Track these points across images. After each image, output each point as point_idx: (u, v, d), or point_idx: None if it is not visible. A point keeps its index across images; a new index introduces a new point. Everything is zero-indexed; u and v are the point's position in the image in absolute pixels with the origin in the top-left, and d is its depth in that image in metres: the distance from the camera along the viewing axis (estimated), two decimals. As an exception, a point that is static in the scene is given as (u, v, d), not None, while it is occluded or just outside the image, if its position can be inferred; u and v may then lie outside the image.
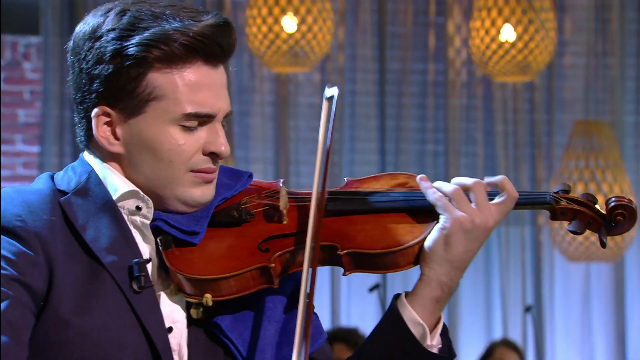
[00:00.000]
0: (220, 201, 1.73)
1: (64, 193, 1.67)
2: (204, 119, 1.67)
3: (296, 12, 5.28)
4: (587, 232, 1.75)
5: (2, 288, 1.54)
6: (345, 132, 6.35)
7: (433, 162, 6.42)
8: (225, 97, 1.72)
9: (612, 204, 1.74)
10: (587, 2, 6.49)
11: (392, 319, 1.70)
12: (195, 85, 1.66)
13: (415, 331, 1.69)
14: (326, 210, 1.71)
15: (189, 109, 1.65)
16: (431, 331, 1.71)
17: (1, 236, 1.58)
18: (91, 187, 1.67)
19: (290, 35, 5.28)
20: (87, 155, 1.73)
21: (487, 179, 1.73)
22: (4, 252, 1.56)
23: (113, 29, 1.64)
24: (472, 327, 6.33)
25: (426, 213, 1.72)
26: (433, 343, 1.71)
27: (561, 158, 5.84)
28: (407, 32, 6.38)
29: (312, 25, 5.29)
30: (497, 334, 6.12)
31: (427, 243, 1.69)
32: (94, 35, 1.65)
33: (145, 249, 1.68)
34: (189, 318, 1.67)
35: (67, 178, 1.69)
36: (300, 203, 1.74)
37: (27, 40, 6.57)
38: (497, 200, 1.71)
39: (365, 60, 6.37)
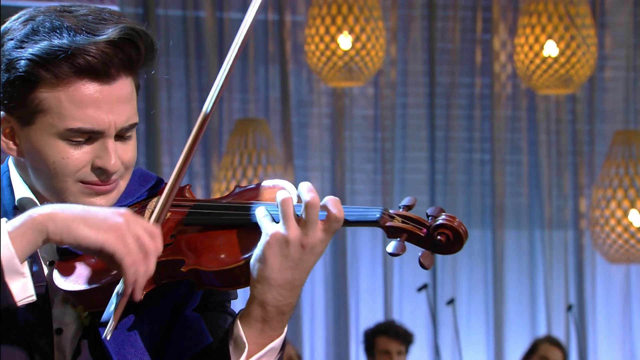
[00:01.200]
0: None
1: None
2: (89, 135, 1.55)
3: (351, 31, 5.29)
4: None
5: None
6: (397, 142, 6.34)
7: (480, 170, 6.40)
8: (121, 111, 1.56)
9: (440, 222, 1.48)
10: (626, 19, 6.44)
11: (225, 334, 1.58)
12: (80, 101, 1.54)
13: (236, 352, 1.54)
14: (184, 223, 1.58)
15: (72, 125, 1.54)
16: (255, 352, 1.54)
17: None
18: (3, 189, 1.62)
19: (346, 52, 5.30)
20: (10, 159, 1.66)
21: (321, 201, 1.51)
22: None
23: (12, 38, 1.55)
24: (518, 325, 6.30)
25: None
26: None
27: (602, 166, 5.79)
28: (456, 48, 6.37)
29: (366, 42, 5.30)
30: (541, 332, 6.08)
31: (251, 260, 1.53)
32: (0, 42, 1.57)
33: (51, 252, 1.59)
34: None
35: None
36: (175, 214, 1.60)
37: None
38: (320, 219, 1.51)
39: (416, 75, 6.37)
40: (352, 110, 6.33)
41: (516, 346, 5.93)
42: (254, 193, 1.62)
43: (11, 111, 1.56)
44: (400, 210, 1.53)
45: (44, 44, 1.52)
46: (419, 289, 5.48)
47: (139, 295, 1.44)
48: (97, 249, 1.42)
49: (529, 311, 6.34)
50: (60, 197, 1.57)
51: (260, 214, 1.54)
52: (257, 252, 1.51)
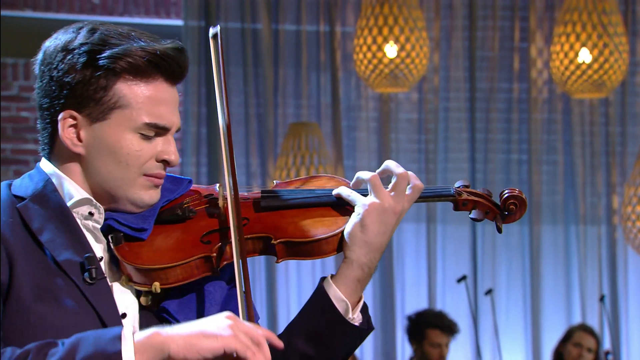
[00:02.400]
0: (164, 202, 1.68)
1: (21, 199, 1.61)
2: (159, 130, 1.62)
3: (396, 41, 5.29)
4: (486, 219, 1.75)
5: None
6: (439, 144, 6.33)
7: (517, 169, 6.37)
8: (177, 113, 1.66)
9: (506, 195, 1.73)
10: (657, 26, 6.40)
11: (319, 296, 1.66)
12: (155, 99, 1.60)
13: (339, 306, 1.65)
14: (262, 207, 1.68)
15: (149, 120, 1.60)
16: (353, 308, 1.67)
17: None
18: (47, 193, 1.61)
19: (392, 61, 5.30)
20: (44, 164, 1.66)
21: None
22: None
23: (85, 43, 1.58)
24: (553, 314, 6.26)
25: (346, 205, 1.69)
26: (354, 317, 1.67)
27: (633, 165, 5.74)
28: (495, 56, 6.35)
29: (410, 51, 5.30)
30: (576, 320, 6.05)
31: (347, 228, 1.65)
32: (66, 48, 1.59)
33: (98, 249, 1.62)
34: (140, 305, 1.63)
35: (24, 185, 1.64)
36: (245, 200, 1.70)
37: None
38: (407, 190, 1.68)
39: (457, 81, 6.35)
40: (398, 115, 6.33)
41: (552, 334, 5.88)
42: (303, 182, 1.76)
43: (81, 109, 1.59)
44: (460, 188, 1.75)
45: (124, 45, 1.58)
46: (459, 280, 5.47)
47: None
48: (220, 354, 1.44)
49: (564, 301, 6.30)
50: (123, 188, 1.61)
51: (346, 191, 1.68)
52: (356, 220, 1.65)
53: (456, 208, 1.74)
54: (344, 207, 1.69)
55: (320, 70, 6.24)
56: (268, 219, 1.67)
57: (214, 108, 6.06)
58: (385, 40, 5.30)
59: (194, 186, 1.74)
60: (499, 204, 1.74)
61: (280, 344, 1.50)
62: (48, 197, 1.60)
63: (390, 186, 1.67)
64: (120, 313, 1.60)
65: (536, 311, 6.24)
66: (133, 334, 1.45)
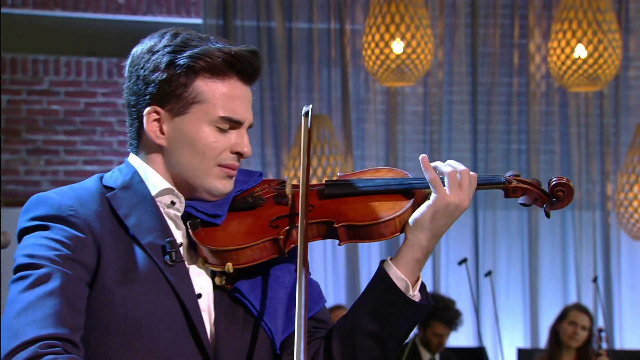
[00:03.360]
0: (237, 192, 1.72)
1: (110, 189, 1.66)
2: (234, 124, 1.66)
3: (403, 38, 5.31)
4: (535, 205, 1.77)
5: (59, 267, 1.54)
6: (443, 134, 6.34)
7: (517, 158, 6.37)
8: (250, 111, 1.69)
9: (554, 182, 1.74)
10: (648, 23, 6.39)
11: (380, 276, 1.68)
12: (230, 95, 1.65)
13: (400, 285, 1.67)
14: (325, 195, 1.72)
15: (224, 114, 1.65)
16: (412, 286, 1.69)
17: (58, 224, 1.59)
18: (134, 184, 1.67)
19: (398, 56, 5.32)
20: (131, 159, 1.72)
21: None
22: (60, 237, 1.57)
23: (169, 45, 1.65)
24: (551, 295, 6.28)
25: (403, 194, 1.72)
26: (414, 294, 1.69)
27: (626, 154, 5.75)
28: (495, 52, 6.35)
29: (416, 48, 5.32)
30: (571, 300, 6.04)
31: (416, 215, 1.68)
32: (152, 50, 1.66)
33: (178, 235, 1.67)
34: (214, 285, 1.66)
35: (114, 177, 1.69)
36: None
37: None
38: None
39: (460, 76, 6.35)
40: (404, 107, 6.34)
41: (549, 313, 5.89)
42: (379, 173, 1.79)
43: (164, 104, 1.65)
44: (511, 177, 1.76)
45: (203, 47, 1.65)
46: (460, 263, 5.42)
47: None
48: None
49: (561, 282, 6.31)
50: (201, 177, 1.66)
51: (435, 179, 1.68)
52: (429, 209, 1.67)
53: (507, 195, 1.76)
54: (401, 195, 1.71)
55: (331, 66, 6.25)
56: (331, 205, 1.70)
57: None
58: (392, 37, 5.31)
59: (263, 179, 1.78)
60: (547, 191, 1.74)
61: None
62: (135, 187, 1.66)
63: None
64: (196, 293, 1.64)
65: (534, 291, 6.26)
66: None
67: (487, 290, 6.02)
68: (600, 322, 5.88)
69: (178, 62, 1.63)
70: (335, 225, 1.66)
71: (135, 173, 1.68)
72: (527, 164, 6.33)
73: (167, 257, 1.61)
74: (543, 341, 5.57)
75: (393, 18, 5.31)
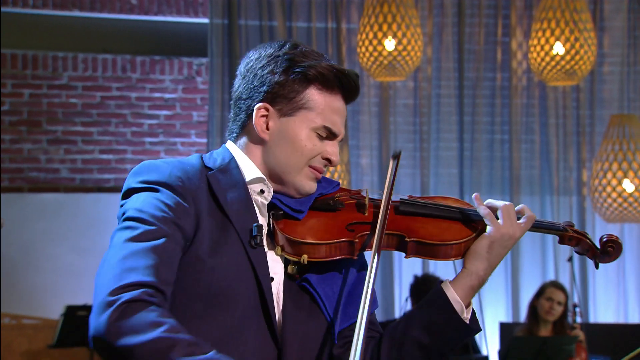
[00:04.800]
0: (318, 195, 1.76)
1: (209, 169, 1.70)
2: (330, 134, 1.72)
3: (394, 36, 5.30)
4: (585, 255, 1.81)
5: (164, 227, 1.58)
6: (432, 125, 6.34)
7: (500, 147, 6.38)
8: (344, 126, 1.77)
9: (605, 239, 1.79)
10: (621, 23, 6.36)
11: (438, 296, 1.71)
12: (334, 109, 1.71)
13: (456, 307, 1.70)
14: (399, 211, 1.76)
15: (326, 124, 1.70)
16: (465, 309, 1.72)
17: (168, 191, 1.62)
18: (230, 168, 1.70)
19: (390, 53, 5.31)
20: (229, 145, 1.76)
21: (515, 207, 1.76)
22: (168, 201, 1.61)
23: (289, 53, 1.71)
24: (531, 273, 6.30)
25: (472, 222, 1.75)
26: (467, 317, 1.72)
27: (600, 143, 5.74)
28: (480, 49, 6.35)
29: (406, 45, 5.31)
30: (550, 278, 6.07)
31: (475, 246, 1.72)
32: (272, 55, 1.71)
33: (261, 221, 1.70)
34: (286, 273, 1.70)
35: (212, 159, 1.72)
36: (376, 203, 1.77)
37: (199, 60, 6.73)
38: (522, 220, 1.75)
39: (448, 71, 6.36)
40: (396, 100, 6.34)
41: (529, 290, 5.92)
42: (447, 201, 1.82)
43: (274, 103, 1.70)
44: (567, 225, 1.81)
45: (319, 61, 1.72)
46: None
47: None
48: None
49: (540, 262, 6.33)
50: (292, 174, 1.71)
51: (488, 214, 1.72)
52: (486, 240, 1.71)
53: (561, 242, 1.81)
54: (468, 224, 1.74)
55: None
56: (403, 221, 1.73)
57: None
58: (385, 35, 5.30)
59: (341, 187, 1.83)
60: (599, 246, 1.80)
61: None
62: (231, 171, 1.71)
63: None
64: (270, 277, 1.68)
65: (515, 270, 6.28)
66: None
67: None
68: (576, 298, 5.90)
69: (295, 70, 1.69)
70: (406, 239, 1.70)
71: (232, 159, 1.72)
72: (510, 153, 6.34)
73: (252, 239, 1.64)
74: (524, 316, 5.59)
75: (385, 18, 5.31)
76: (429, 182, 6.27)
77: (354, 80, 1.73)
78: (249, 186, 1.70)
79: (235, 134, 1.76)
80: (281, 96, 1.69)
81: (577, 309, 5.13)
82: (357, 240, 1.68)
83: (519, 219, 1.75)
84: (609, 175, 5.48)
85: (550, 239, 6.33)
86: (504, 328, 5.92)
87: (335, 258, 1.68)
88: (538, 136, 6.39)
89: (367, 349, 1.73)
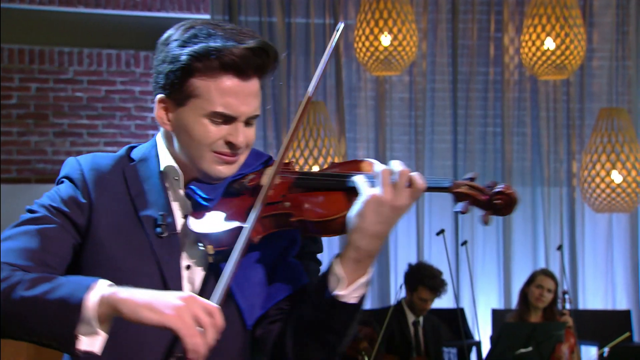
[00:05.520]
0: (238, 176, 1.65)
1: (132, 160, 1.65)
2: (227, 118, 1.59)
3: (390, 31, 5.29)
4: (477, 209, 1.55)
5: (49, 214, 1.56)
6: (427, 119, 6.35)
7: (493, 140, 6.38)
8: (251, 103, 1.60)
9: (497, 189, 1.53)
10: (610, 19, 6.37)
11: (326, 270, 1.59)
12: (224, 91, 1.57)
13: (332, 281, 1.55)
14: (294, 188, 1.60)
15: (217, 109, 1.58)
16: (350, 284, 1.55)
17: (70, 183, 1.61)
18: (151, 157, 1.65)
19: (386, 48, 5.30)
20: (157, 136, 1.70)
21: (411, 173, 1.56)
22: (62, 194, 1.60)
23: (178, 39, 1.60)
24: (522, 261, 6.32)
25: (357, 193, 1.56)
26: (344, 293, 1.55)
27: (590, 136, 5.74)
28: (474, 44, 6.36)
29: (402, 40, 5.31)
30: (541, 266, 6.06)
31: (349, 214, 1.54)
32: (166, 42, 1.62)
33: (177, 210, 1.64)
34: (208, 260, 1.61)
35: (139, 151, 1.68)
36: (284, 180, 1.62)
37: None
38: (410, 187, 1.54)
39: (442, 66, 6.36)
40: (392, 94, 6.34)
41: (520, 277, 5.92)
42: (347, 167, 1.64)
43: (169, 94, 1.61)
44: (465, 181, 1.56)
45: (201, 45, 1.57)
46: (437, 234, 5.33)
47: (196, 357, 1.39)
48: (162, 327, 1.39)
49: (531, 250, 6.35)
50: (198, 161, 1.61)
51: (360, 180, 1.55)
52: (357, 208, 1.52)
53: (457, 200, 1.56)
54: (354, 194, 1.55)
55: (326, 57, 6.29)
56: (296, 198, 1.59)
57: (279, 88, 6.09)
58: (381, 31, 5.30)
59: (271, 163, 1.66)
60: (487, 199, 1.53)
61: (220, 325, 1.41)
62: (150, 160, 1.65)
63: (392, 181, 1.53)
64: (185, 265, 1.61)
65: (507, 258, 6.30)
66: (108, 286, 1.43)
67: (464, 257, 6.07)
68: (565, 286, 5.92)
69: (179, 59, 1.58)
70: (292, 219, 1.57)
71: (155, 149, 1.67)
72: (502, 145, 6.35)
73: (158, 229, 1.58)
74: (515, 303, 5.61)
75: (381, 14, 5.30)
76: (423, 174, 6.27)
77: (246, 58, 1.56)
78: (164, 175, 1.64)
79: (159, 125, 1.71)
80: (172, 86, 1.60)
81: (567, 296, 5.15)
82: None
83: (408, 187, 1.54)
84: (598, 166, 5.47)
85: (541, 228, 6.36)
86: (496, 314, 5.95)
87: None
88: (529, 129, 6.40)
89: (271, 331, 1.63)
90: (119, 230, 1.58)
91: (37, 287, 1.43)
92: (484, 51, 6.38)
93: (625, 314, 6.14)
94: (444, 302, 5.47)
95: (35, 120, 6.44)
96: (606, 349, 5.01)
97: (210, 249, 1.57)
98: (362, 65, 5.73)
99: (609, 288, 6.39)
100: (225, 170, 1.62)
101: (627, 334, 5.21)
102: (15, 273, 1.46)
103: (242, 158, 1.63)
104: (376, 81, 6.29)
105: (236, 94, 1.58)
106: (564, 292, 5.17)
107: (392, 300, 6.11)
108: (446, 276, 5.17)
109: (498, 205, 1.52)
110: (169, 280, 1.58)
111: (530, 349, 4.55)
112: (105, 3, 6.24)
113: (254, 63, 1.58)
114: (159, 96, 1.62)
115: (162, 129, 1.67)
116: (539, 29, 5.34)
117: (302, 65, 6.25)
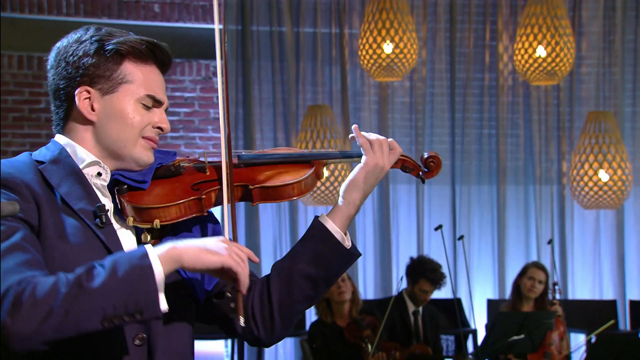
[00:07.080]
0: (158, 165, 1.68)
1: (41, 163, 1.59)
2: (156, 103, 1.63)
3: (392, 40, 5.32)
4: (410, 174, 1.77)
5: (12, 223, 1.46)
6: (427, 121, 6.36)
7: (488, 141, 6.40)
8: (165, 93, 1.67)
9: (426, 155, 1.75)
10: (597, 29, 6.38)
11: (319, 229, 1.67)
12: (152, 78, 1.63)
13: (337, 236, 1.66)
14: (241, 164, 1.70)
15: (149, 92, 1.62)
16: (346, 236, 1.69)
17: (4, 190, 1.50)
18: (62, 158, 1.59)
19: (388, 56, 5.33)
20: (57, 137, 1.64)
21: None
22: (3, 200, 1.47)
23: (96, 35, 1.61)
24: (515, 254, 6.33)
25: (305, 164, 1.71)
26: (348, 244, 1.68)
27: (579, 137, 5.77)
28: (470, 52, 6.37)
29: (403, 48, 5.33)
30: (533, 259, 6.09)
31: (350, 176, 1.69)
32: (79, 40, 1.61)
33: (105, 201, 1.61)
34: (140, 243, 1.60)
35: (42, 154, 1.61)
36: (216, 164, 1.69)
37: (215, 62, 6.79)
38: (391, 153, 1.71)
39: (441, 72, 6.37)
40: (394, 99, 6.36)
41: (514, 269, 5.93)
42: (266, 151, 1.76)
43: (94, 85, 1.60)
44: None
45: (127, 37, 1.62)
46: (436, 229, 5.33)
47: (245, 289, 1.48)
48: (219, 268, 1.45)
49: (524, 245, 6.36)
50: (129, 147, 1.61)
51: (366, 145, 1.70)
52: (361, 171, 1.68)
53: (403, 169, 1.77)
54: (303, 165, 1.70)
55: (332, 64, 6.26)
56: (245, 172, 1.68)
57: (248, 93, 6.16)
58: (384, 39, 5.33)
59: (177, 158, 1.73)
60: (422, 164, 1.75)
61: (256, 259, 1.52)
62: (63, 161, 1.60)
63: (383, 150, 1.70)
64: (133, 247, 1.60)
65: (502, 252, 6.30)
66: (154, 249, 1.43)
67: (461, 251, 6.09)
68: (555, 277, 5.94)
69: (107, 47, 1.60)
70: (250, 187, 1.64)
71: (62, 149, 1.61)
72: (497, 146, 6.36)
73: (97, 220, 1.55)
74: (509, 293, 5.63)
75: (384, 24, 5.33)
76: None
77: (165, 50, 1.65)
78: (84, 171, 1.60)
79: (61, 126, 1.64)
80: (98, 76, 1.59)
81: (557, 287, 5.16)
82: (204, 196, 1.61)
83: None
84: (586, 166, 5.49)
85: (533, 224, 6.37)
86: (491, 304, 5.96)
87: (186, 217, 1.60)
88: (522, 131, 6.41)
89: (251, 292, 1.67)
90: (64, 225, 1.53)
91: (94, 277, 1.38)
92: (480, 58, 6.39)
93: (611, 304, 6.16)
94: (442, 292, 5.48)
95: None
96: (593, 336, 5.04)
97: (157, 223, 1.57)
98: (366, 72, 5.75)
99: (596, 279, 6.39)
100: (152, 157, 1.65)
101: (612, 322, 5.23)
102: (41, 279, 1.38)
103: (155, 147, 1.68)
104: (379, 86, 6.31)
105: (159, 82, 1.65)
106: (554, 284, 5.19)
107: (394, 291, 6.14)
108: (444, 268, 5.19)
109: (431, 166, 1.75)
110: None
111: (522, 336, 4.57)
112: (127, 14, 6.27)
113: (169, 57, 1.66)
114: (80, 88, 1.60)
115: (68, 130, 1.63)
116: (531, 37, 5.37)
117: (310, 71, 6.27)
